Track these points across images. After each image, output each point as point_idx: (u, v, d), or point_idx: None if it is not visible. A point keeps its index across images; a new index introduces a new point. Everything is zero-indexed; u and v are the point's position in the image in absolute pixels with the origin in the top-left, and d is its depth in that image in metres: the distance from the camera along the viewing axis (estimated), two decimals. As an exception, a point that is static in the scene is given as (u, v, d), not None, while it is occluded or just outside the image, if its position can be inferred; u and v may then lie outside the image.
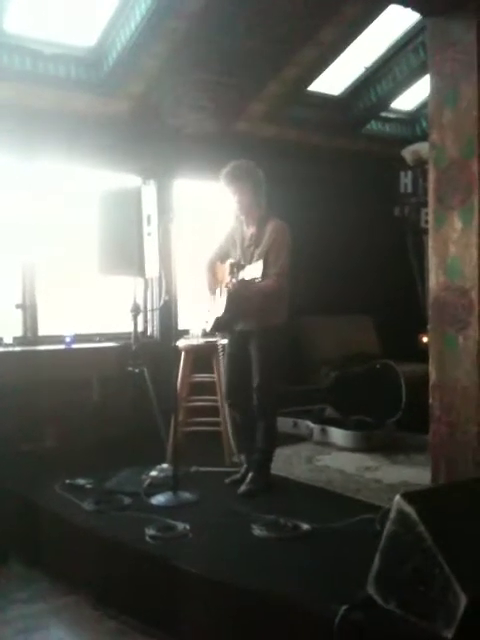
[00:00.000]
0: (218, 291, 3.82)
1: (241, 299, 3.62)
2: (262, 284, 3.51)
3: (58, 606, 3.09)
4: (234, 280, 3.55)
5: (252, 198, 3.72)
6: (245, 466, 3.91)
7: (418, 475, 3.81)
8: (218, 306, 3.74)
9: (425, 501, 2.30)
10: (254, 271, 3.40)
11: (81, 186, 5.10)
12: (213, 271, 3.90)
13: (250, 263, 3.63)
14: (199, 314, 3.96)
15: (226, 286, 3.62)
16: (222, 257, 3.87)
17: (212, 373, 4.37)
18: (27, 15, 4.40)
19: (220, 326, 3.79)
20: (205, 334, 4.28)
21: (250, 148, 5.53)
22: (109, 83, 4.74)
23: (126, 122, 5.08)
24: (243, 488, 3.72)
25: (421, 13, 3.37)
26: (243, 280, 3.49)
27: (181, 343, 4.39)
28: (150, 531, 3.08)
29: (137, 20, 4.32)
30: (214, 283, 3.87)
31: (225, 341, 4.06)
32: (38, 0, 4.43)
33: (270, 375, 3.69)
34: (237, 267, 3.61)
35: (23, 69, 4.44)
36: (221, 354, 4.23)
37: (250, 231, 3.77)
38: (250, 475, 3.77)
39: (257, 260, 3.58)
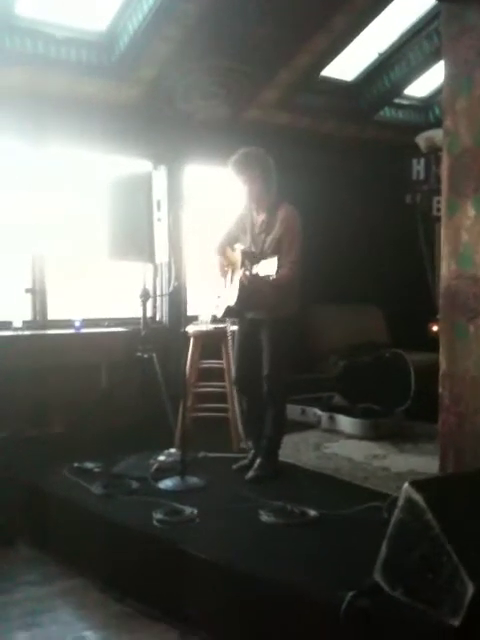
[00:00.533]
0: (229, 276, 3.80)
1: (254, 292, 3.59)
2: (277, 276, 3.46)
3: (65, 589, 3.11)
4: (248, 273, 3.52)
5: (262, 185, 3.68)
6: (252, 452, 3.92)
7: (426, 464, 3.81)
8: (230, 294, 3.72)
9: (433, 489, 2.29)
10: (269, 268, 3.36)
11: (92, 171, 5.09)
12: (224, 255, 3.88)
13: (261, 250, 3.60)
14: (209, 299, 3.94)
15: (241, 276, 3.57)
16: (231, 242, 3.85)
17: (221, 359, 4.37)
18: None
19: (231, 314, 3.79)
20: (215, 320, 4.26)
21: (262, 135, 5.50)
22: (121, 68, 4.72)
23: (137, 107, 5.06)
24: (251, 474, 3.73)
25: (437, -2, 3.33)
26: (258, 276, 3.47)
27: (190, 329, 4.39)
28: (158, 515, 3.09)
29: (149, 4, 4.29)
30: (225, 266, 3.85)
31: (235, 327, 4.05)
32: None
33: (280, 365, 3.69)
34: (250, 258, 3.57)
35: (35, 53, 4.41)
36: (230, 340, 4.22)
37: (260, 218, 3.74)
38: (258, 461, 3.78)
39: (269, 247, 3.56)
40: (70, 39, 4.55)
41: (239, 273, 3.61)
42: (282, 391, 3.81)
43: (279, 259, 3.41)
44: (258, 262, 3.51)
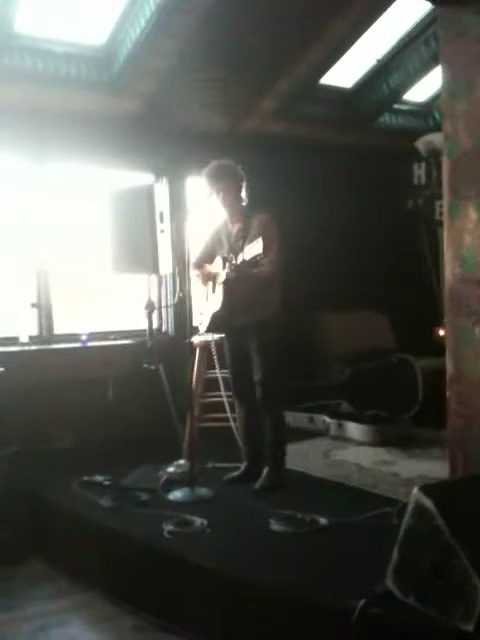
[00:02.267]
0: (210, 289, 3.82)
1: (238, 286, 3.59)
2: (257, 271, 3.52)
3: (76, 603, 3.10)
4: (231, 265, 3.53)
5: (235, 195, 3.78)
6: (245, 463, 3.89)
7: (435, 469, 3.79)
8: (213, 305, 3.74)
9: (443, 494, 2.28)
10: (254, 249, 3.37)
11: (94, 185, 5.11)
12: (203, 271, 3.91)
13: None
14: (196, 316, 3.94)
15: (226, 272, 3.58)
16: (209, 257, 3.88)
17: (227, 369, 4.36)
18: (37, 15, 4.41)
19: (217, 323, 3.74)
20: (200, 335, 4.21)
21: (261, 145, 5.55)
22: (119, 82, 4.74)
23: (137, 120, 5.08)
24: (258, 484, 3.71)
25: (433, 2, 3.34)
26: (242, 263, 3.48)
27: (195, 339, 4.39)
28: (168, 527, 3.09)
29: (146, 17, 4.32)
30: (205, 280, 3.88)
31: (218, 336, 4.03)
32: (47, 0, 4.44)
33: (271, 368, 3.68)
34: (228, 261, 3.62)
35: (34, 69, 4.44)
36: (214, 351, 4.20)
37: (236, 227, 3.79)
38: (265, 471, 3.75)
39: (247, 252, 3.57)
40: (69, 54, 4.58)
41: (220, 282, 3.64)
42: (278, 395, 3.77)
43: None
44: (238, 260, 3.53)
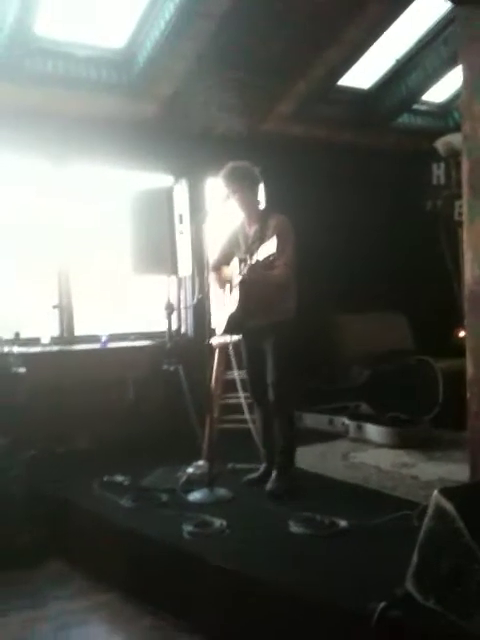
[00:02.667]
0: (227, 290, 3.83)
1: (255, 287, 3.59)
2: (271, 273, 3.54)
3: (97, 603, 3.12)
4: (246, 265, 3.54)
5: (251, 196, 3.80)
6: (264, 465, 3.89)
7: (456, 472, 3.76)
8: (230, 305, 3.74)
9: (463, 497, 2.27)
10: (268, 248, 3.37)
11: (114, 186, 5.15)
12: (220, 274, 3.92)
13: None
14: (214, 317, 3.96)
15: (240, 276, 3.60)
16: (226, 260, 3.90)
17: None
18: (57, 18, 4.45)
19: (233, 324, 3.74)
20: (217, 337, 4.21)
21: (279, 147, 5.55)
22: (139, 85, 4.78)
23: (157, 123, 5.11)
24: (268, 487, 3.69)
25: (452, 2, 3.32)
26: (258, 261, 3.48)
27: (214, 340, 4.40)
28: (188, 527, 3.10)
29: (166, 19, 4.35)
30: (222, 284, 3.89)
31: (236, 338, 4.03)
32: (68, 2, 4.47)
33: (284, 370, 3.67)
34: (245, 261, 3.63)
35: (55, 72, 4.49)
36: (232, 352, 4.21)
37: (252, 229, 3.80)
38: (274, 474, 3.74)
39: (262, 254, 3.58)
40: (89, 58, 4.63)
41: (236, 283, 3.65)
42: (288, 398, 3.75)
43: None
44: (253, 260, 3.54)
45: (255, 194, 3.82)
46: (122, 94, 4.82)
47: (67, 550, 3.60)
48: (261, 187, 3.84)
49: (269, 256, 3.35)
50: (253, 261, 3.50)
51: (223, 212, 3.97)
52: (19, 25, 4.14)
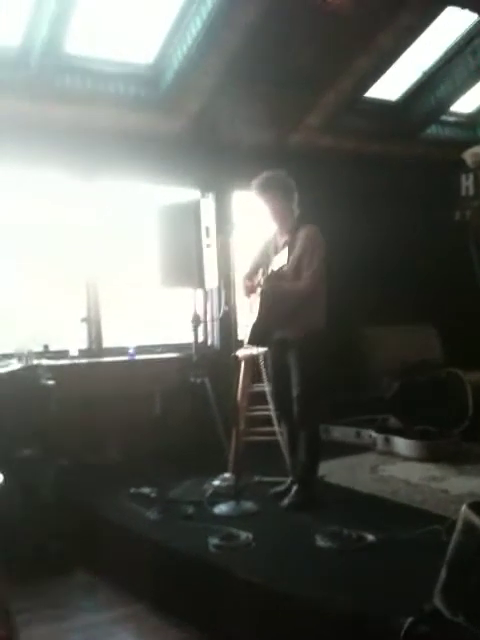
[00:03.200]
0: (254, 299, 3.81)
1: (273, 298, 3.57)
2: (296, 284, 3.52)
3: (123, 615, 3.13)
4: (265, 275, 3.54)
5: (284, 206, 3.74)
6: (291, 478, 3.84)
7: (486, 486, 3.72)
8: (252, 316, 3.73)
9: (493, 511, 2.23)
10: (281, 259, 3.36)
11: (142, 200, 5.20)
12: (251, 284, 3.88)
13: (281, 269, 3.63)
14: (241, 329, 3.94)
15: (258, 287, 3.60)
16: (258, 271, 3.87)
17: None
18: (87, 35, 4.52)
19: (257, 335, 3.70)
20: (245, 348, 4.20)
21: (307, 159, 5.56)
22: (167, 100, 4.83)
23: (184, 137, 5.16)
24: (286, 501, 3.66)
25: (479, 12, 3.31)
26: (272, 272, 3.47)
27: (240, 353, 4.40)
28: (214, 540, 3.09)
29: (193, 34, 4.40)
30: (248, 293, 3.88)
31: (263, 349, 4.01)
32: (98, 20, 4.54)
33: (310, 384, 3.61)
34: (265, 272, 3.65)
35: (83, 89, 4.56)
36: (262, 364, 4.20)
37: (283, 239, 3.77)
38: (294, 488, 3.70)
39: (291, 265, 3.58)
40: (117, 74, 4.69)
41: (257, 294, 3.64)
42: (313, 412, 3.71)
43: (298, 274, 3.47)
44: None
45: (288, 204, 3.74)
46: (150, 110, 4.87)
47: (94, 561, 3.62)
48: (296, 197, 3.78)
49: (282, 266, 3.35)
50: (269, 266, 3.50)
51: (251, 225, 3.97)
52: (50, 43, 4.22)
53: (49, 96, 4.45)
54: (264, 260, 3.86)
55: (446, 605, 2.22)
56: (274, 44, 4.61)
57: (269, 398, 4.05)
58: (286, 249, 3.70)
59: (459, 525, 2.25)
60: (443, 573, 2.26)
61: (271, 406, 4.14)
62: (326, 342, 3.70)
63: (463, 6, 3.28)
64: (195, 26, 4.36)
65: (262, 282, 3.56)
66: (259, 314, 3.60)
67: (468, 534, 2.18)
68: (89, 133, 4.76)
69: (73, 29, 4.35)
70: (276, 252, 3.79)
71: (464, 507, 2.25)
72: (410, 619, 2.19)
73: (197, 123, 5.09)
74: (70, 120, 4.65)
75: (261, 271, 3.74)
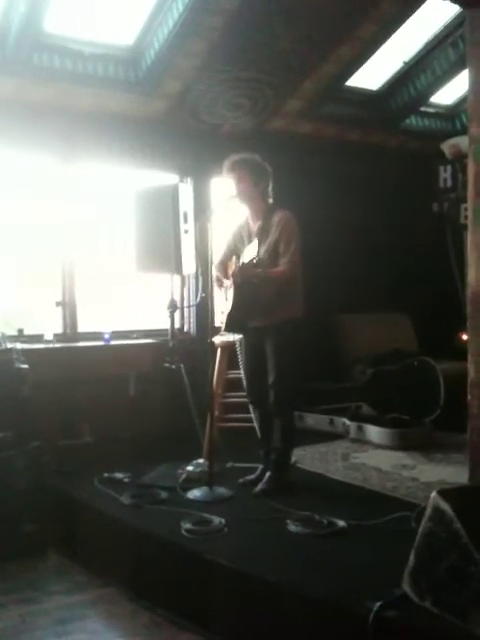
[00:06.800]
0: (229, 287, 3.79)
1: (247, 288, 3.55)
2: (274, 271, 3.52)
3: (95, 598, 3.13)
4: (239, 265, 3.54)
5: (253, 187, 3.68)
6: (261, 467, 3.85)
7: (456, 474, 3.77)
8: (228, 303, 3.72)
9: (462, 498, 2.28)
10: (251, 251, 3.35)
11: (119, 184, 5.16)
12: (224, 271, 3.85)
13: (257, 256, 3.61)
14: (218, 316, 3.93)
15: (232, 277, 3.59)
16: (231, 256, 3.83)
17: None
18: (66, 15, 4.45)
19: (232, 323, 3.69)
20: (220, 334, 4.19)
21: (287, 145, 5.56)
22: (147, 82, 4.78)
23: (164, 121, 5.12)
24: (258, 488, 3.67)
25: (460, 4, 3.32)
26: (243, 264, 3.46)
27: (217, 339, 4.41)
28: (186, 525, 3.11)
29: (174, 17, 4.35)
30: (225, 280, 3.84)
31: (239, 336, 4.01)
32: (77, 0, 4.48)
33: (286, 372, 3.62)
34: (239, 258, 3.63)
35: (63, 69, 4.50)
36: (238, 350, 4.20)
37: (256, 225, 3.73)
38: (267, 474, 3.72)
39: (266, 252, 3.57)
40: (97, 55, 4.63)
41: (231, 283, 3.63)
42: (289, 400, 3.74)
43: (274, 260, 3.47)
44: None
45: (259, 187, 3.69)
46: (130, 91, 4.83)
47: (67, 543, 3.62)
48: (269, 182, 3.74)
49: (255, 256, 3.35)
50: (247, 260, 3.50)
51: (228, 211, 3.95)
52: (28, 22, 4.14)
53: (26, 75, 4.38)
54: (238, 245, 3.83)
55: (414, 590, 2.27)
56: (256, 29, 4.59)
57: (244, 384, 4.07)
58: (260, 235, 3.67)
59: (428, 512, 2.29)
60: (411, 559, 2.31)
61: (246, 391, 4.16)
62: (301, 329, 3.71)
63: (444, -3, 3.29)
64: (177, 8, 4.32)
65: (236, 272, 3.54)
66: (234, 302, 3.59)
67: (438, 521, 2.22)
68: (67, 114, 4.71)
69: (52, 8, 4.27)
70: (249, 238, 3.76)
71: (434, 494, 2.29)
72: (379, 603, 2.23)
73: (177, 106, 5.05)
74: (48, 100, 4.59)
75: (234, 258, 3.72)
